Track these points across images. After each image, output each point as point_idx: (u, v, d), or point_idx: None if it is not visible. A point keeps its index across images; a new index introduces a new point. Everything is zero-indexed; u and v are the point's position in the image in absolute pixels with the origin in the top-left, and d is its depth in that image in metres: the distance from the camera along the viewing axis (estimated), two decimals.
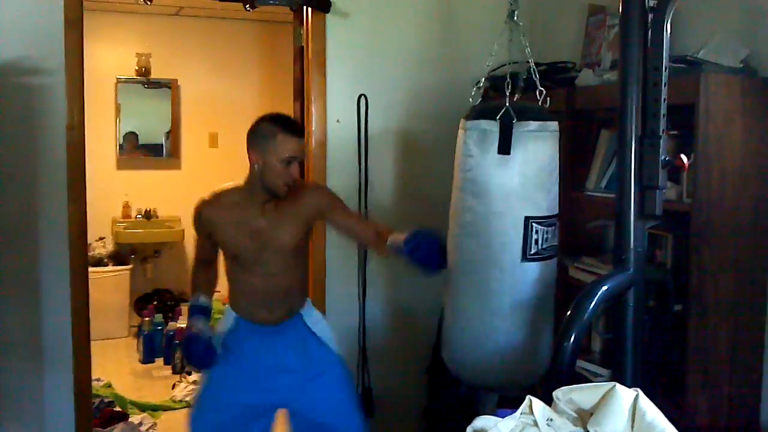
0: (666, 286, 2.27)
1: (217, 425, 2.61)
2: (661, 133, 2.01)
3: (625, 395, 1.44)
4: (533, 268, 2.39)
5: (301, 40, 3.65)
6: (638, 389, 1.45)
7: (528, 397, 1.50)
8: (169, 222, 6.00)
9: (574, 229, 3.09)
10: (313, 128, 3.47)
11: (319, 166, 3.48)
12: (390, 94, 3.57)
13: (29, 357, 3.09)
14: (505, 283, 2.38)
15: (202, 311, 2.68)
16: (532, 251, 2.36)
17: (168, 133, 6.11)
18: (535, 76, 2.57)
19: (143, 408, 4.09)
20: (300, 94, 3.70)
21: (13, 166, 3.04)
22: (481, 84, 3.58)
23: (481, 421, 1.49)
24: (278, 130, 2.50)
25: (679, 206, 2.46)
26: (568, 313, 1.95)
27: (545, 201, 2.43)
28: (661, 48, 1.97)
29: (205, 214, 2.63)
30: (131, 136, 6.00)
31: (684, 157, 2.02)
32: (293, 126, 2.56)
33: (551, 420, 1.46)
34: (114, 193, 5.86)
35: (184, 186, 6.11)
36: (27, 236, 3.08)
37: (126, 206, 5.94)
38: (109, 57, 5.84)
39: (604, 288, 1.98)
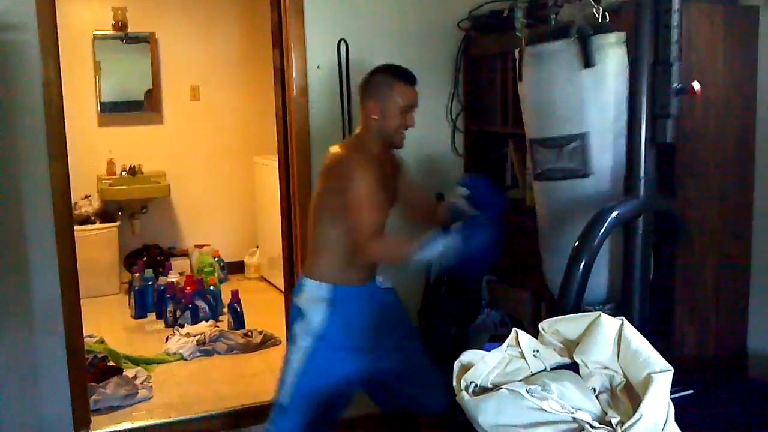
0: (674, 216, 2.27)
1: (321, 400, 2.59)
2: (673, 61, 2.00)
3: (609, 324, 1.45)
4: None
5: None
6: (623, 318, 1.46)
7: (514, 329, 1.51)
8: (155, 177, 5.96)
9: None
10: (294, 75, 3.42)
11: (300, 113, 3.44)
12: (371, 39, 3.50)
13: (19, 318, 3.08)
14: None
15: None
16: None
17: (149, 90, 6.02)
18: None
19: (137, 362, 4.12)
20: (278, 42, 3.64)
21: None
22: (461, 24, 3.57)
23: (468, 356, 1.50)
24: (395, 80, 2.54)
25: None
26: (578, 239, 1.96)
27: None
28: None
29: (373, 169, 2.48)
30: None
31: (696, 85, 2.01)
32: (409, 74, 2.58)
33: (537, 351, 1.48)
34: (97, 151, 5.80)
35: (168, 141, 6.06)
36: (9, 197, 3.04)
37: (110, 163, 5.89)
38: (84, 12, 5.73)
39: (615, 214, 1.99)
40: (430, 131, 3.62)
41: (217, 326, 4.69)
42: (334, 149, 2.64)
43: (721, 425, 2.03)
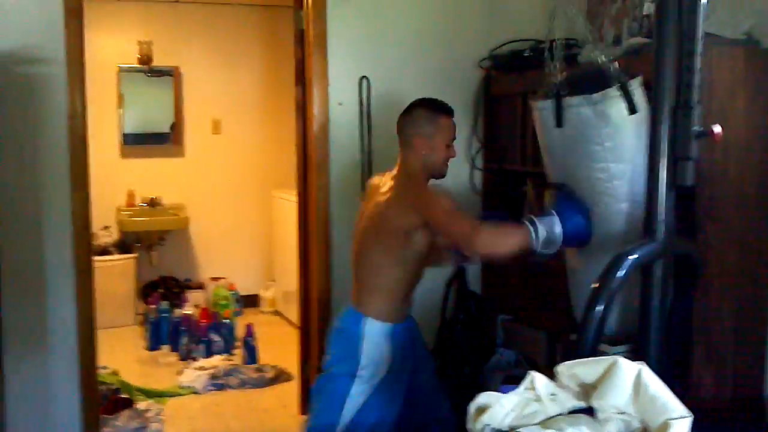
0: (692, 259, 2.25)
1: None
2: (694, 104, 2.00)
3: (627, 369, 1.43)
4: None
5: (301, 23, 3.63)
6: (642, 363, 1.44)
7: (530, 372, 1.49)
8: (174, 209, 6.00)
9: None
10: (315, 111, 3.45)
11: (321, 149, 3.46)
12: (392, 76, 3.55)
13: (35, 347, 3.10)
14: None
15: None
16: None
17: (172, 123, 6.09)
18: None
19: (150, 395, 4.10)
20: (301, 78, 3.69)
21: (16, 157, 3.05)
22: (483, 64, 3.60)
23: (484, 398, 1.48)
24: (438, 114, 2.59)
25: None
26: (597, 281, 1.95)
27: None
28: (695, 17, 1.96)
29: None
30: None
31: (717, 128, 2.00)
32: (448, 107, 2.62)
33: (554, 395, 1.46)
34: (118, 182, 5.85)
35: (188, 173, 6.11)
36: (31, 226, 3.08)
37: (130, 194, 5.94)
38: (111, 45, 5.82)
39: (634, 257, 1.98)
40: (450, 168, 3.61)
41: (231, 360, 4.68)
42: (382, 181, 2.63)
43: None
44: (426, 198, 2.46)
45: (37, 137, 3.08)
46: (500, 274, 3.62)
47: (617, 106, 2.25)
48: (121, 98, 5.90)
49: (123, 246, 5.77)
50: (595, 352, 1.98)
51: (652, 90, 2.16)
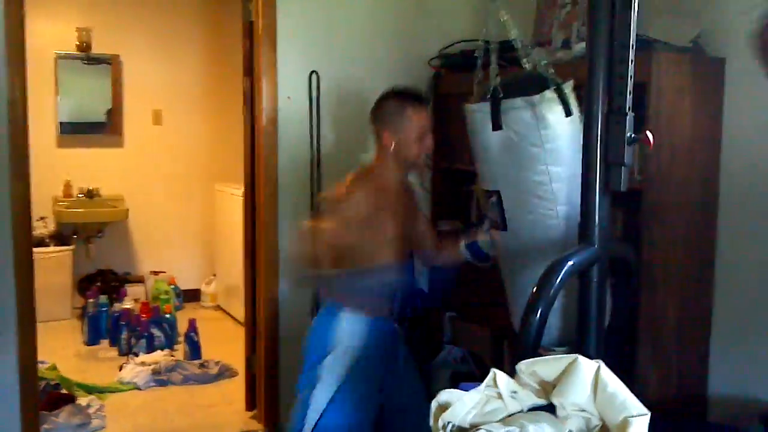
0: (628, 262, 2.30)
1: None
2: (627, 111, 2.03)
3: (586, 367, 1.46)
4: None
5: (250, 15, 3.58)
6: (600, 361, 1.47)
7: (492, 370, 1.51)
8: (112, 201, 5.86)
9: None
10: (264, 105, 3.42)
11: (269, 143, 3.44)
12: (342, 71, 3.54)
13: None
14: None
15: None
16: None
17: (109, 110, 5.95)
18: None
19: (90, 390, 4.01)
20: (249, 70, 3.64)
21: None
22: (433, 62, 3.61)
23: (445, 395, 1.49)
24: (407, 105, 2.48)
25: (630, 183, 2.50)
26: (534, 288, 1.97)
27: None
28: (628, 25, 1.99)
29: (371, 200, 2.46)
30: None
31: (650, 134, 2.04)
32: (418, 96, 2.54)
33: (515, 392, 1.48)
34: (54, 172, 5.67)
35: (128, 164, 5.98)
36: None
37: (67, 185, 5.78)
38: (48, 31, 5.64)
39: (570, 263, 2.00)
40: None
41: (173, 356, 4.61)
42: (343, 183, 2.55)
43: None
44: (371, 214, 2.46)
45: None
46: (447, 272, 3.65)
47: (555, 109, 2.26)
48: (58, 86, 5.73)
49: (60, 238, 5.62)
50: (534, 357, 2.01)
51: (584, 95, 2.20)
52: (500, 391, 1.47)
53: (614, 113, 2.09)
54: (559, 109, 2.27)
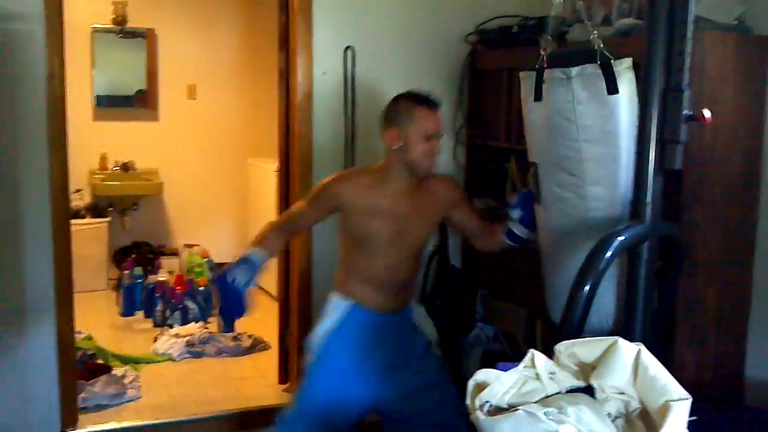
0: (679, 242, 2.27)
1: (322, 419, 2.53)
2: (684, 87, 2.00)
3: (627, 350, 1.45)
4: None
5: None
6: (640, 344, 1.46)
7: (530, 350, 1.50)
8: (147, 174, 5.91)
9: None
10: (299, 80, 3.41)
11: (304, 118, 3.43)
12: (377, 47, 3.51)
13: (11, 311, 3.05)
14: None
15: (246, 262, 2.55)
16: None
17: (144, 84, 5.98)
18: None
19: (125, 361, 4.07)
20: (285, 45, 3.63)
21: None
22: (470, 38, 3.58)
23: (483, 374, 1.49)
24: (417, 106, 2.46)
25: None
26: (583, 263, 1.95)
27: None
28: (687, 1, 1.96)
29: (336, 190, 2.52)
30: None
31: (707, 112, 2.01)
32: (432, 101, 2.49)
33: (553, 373, 1.47)
34: (90, 145, 5.72)
35: (162, 138, 6.02)
36: (6, 188, 3.01)
37: (103, 158, 5.84)
38: (85, 5, 5.66)
39: (620, 239, 1.98)
40: None
41: (207, 328, 4.65)
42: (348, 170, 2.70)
43: None
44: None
45: (14, 97, 3.00)
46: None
47: (595, 85, 2.20)
48: (94, 59, 5.77)
49: (95, 210, 5.68)
50: (580, 335, 2.00)
51: (641, 72, 2.15)
52: (538, 371, 1.47)
53: (671, 90, 2.07)
54: (601, 85, 2.23)
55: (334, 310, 2.57)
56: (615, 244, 2.02)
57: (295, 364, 3.55)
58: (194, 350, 4.30)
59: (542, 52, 2.34)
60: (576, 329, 2.01)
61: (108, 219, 5.70)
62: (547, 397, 1.45)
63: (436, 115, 2.48)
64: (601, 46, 2.19)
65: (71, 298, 3.17)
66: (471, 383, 1.48)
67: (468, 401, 1.45)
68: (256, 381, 3.95)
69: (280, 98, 3.71)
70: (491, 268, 3.56)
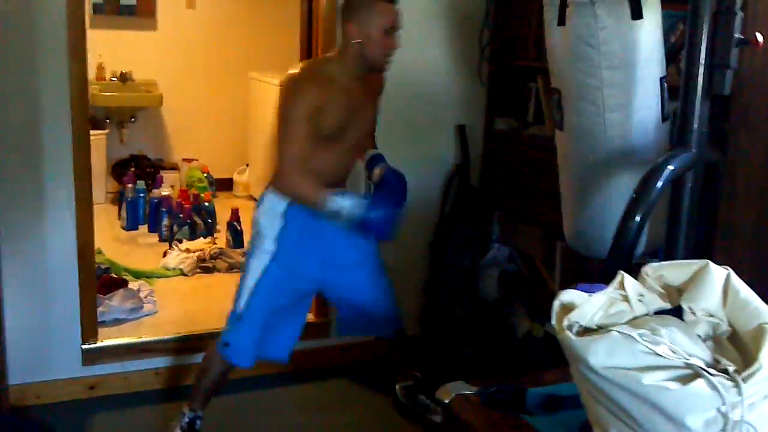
0: (716, 168, 2.25)
1: (273, 308, 2.65)
2: (737, 10, 1.94)
3: (717, 273, 1.43)
4: (665, 129, 2.36)
5: None
6: (728, 268, 1.45)
7: (620, 272, 1.49)
8: (146, 86, 5.75)
9: None
10: None
11: (329, 30, 3.31)
12: None
13: (32, 218, 2.99)
14: (650, 146, 2.31)
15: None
16: (666, 112, 2.32)
17: None
18: None
19: (137, 275, 4.04)
20: None
21: (10, 24, 2.85)
22: None
23: (568, 295, 1.47)
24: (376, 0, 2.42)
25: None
26: (634, 192, 1.93)
27: (664, 60, 2.35)
28: None
29: (320, 96, 2.42)
30: None
31: (759, 36, 1.96)
32: None
33: (642, 296, 1.46)
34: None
35: (161, 49, 5.84)
36: (27, 95, 2.92)
37: (100, 68, 5.66)
38: None
39: (670, 168, 1.95)
40: (457, 58, 3.54)
41: (215, 243, 4.62)
42: (294, 68, 2.54)
43: None
44: (284, 110, 2.43)
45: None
46: (499, 171, 3.61)
47: (618, 9, 2.15)
48: None
49: (93, 121, 5.52)
50: (628, 265, 1.98)
51: None
52: (627, 293, 1.45)
53: (723, 13, 2.01)
54: (624, 10, 2.17)
55: (274, 209, 2.57)
56: (666, 173, 2.00)
57: None
58: (205, 265, 4.28)
59: None
60: (625, 260, 2.00)
61: (106, 131, 5.57)
62: (635, 318, 1.44)
63: (395, 8, 2.46)
64: None
65: (91, 206, 3.10)
66: (556, 303, 1.46)
67: (553, 321, 1.44)
68: None
69: (302, 12, 3.56)
70: (509, 189, 3.55)
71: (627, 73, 2.20)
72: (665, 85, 2.30)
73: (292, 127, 2.40)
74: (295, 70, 2.53)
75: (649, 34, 2.17)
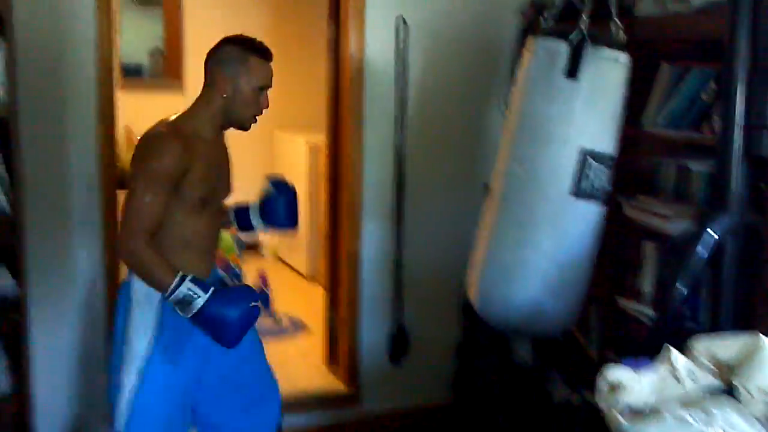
0: (759, 233, 2.16)
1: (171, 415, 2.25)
2: None
3: None
4: (582, 208, 2.30)
5: None
6: None
7: (666, 345, 1.41)
8: None
9: (629, 167, 2.98)
10: (351, 52, 3.28)
11: (356, 93, 3.31)
12: (431, 18, 3.39)
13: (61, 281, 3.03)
14: (548, 216, 2.30)
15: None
16: (584, 188, 2.27)
17: (165, 54, 5.82)
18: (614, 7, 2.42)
19: None
20: (335, 15, 3.48)
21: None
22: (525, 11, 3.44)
23: (615, 374, 1.39)
24: (251, 55, 2.21)
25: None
26: (671, 260, 1.86)
27: (606, 138, 2.33)
28: None
29: (183, 149, 2.09)
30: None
31: None
32: (266, 50, 2.26)
33: (693, 373, 1.38)
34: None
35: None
36: (57, 155, 3.04)
37: (128, 130, 5.69)
38: None
39: (713, 237, 1.87)
40: (482, 114, 3.51)
41: None
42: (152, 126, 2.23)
43: None
44: (144, 166, 2.08)
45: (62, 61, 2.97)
46: None
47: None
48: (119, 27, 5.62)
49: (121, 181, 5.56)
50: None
51: (725, 51, 2.04)
52: (678, 372, 1.38)
53: (759, 72, 1.96)
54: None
55: (147, 298, 2.16)
56: (709, 242, 1.91)
57: (346, 345, 3.47)
58: None
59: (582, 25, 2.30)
60: (673, 326, 1.91)
61: None
62: (686, 397, 1.36)
63: (269, 66, 2.26)
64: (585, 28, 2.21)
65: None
66: (603, 384, 1.39)
67: (601, 401, 1.36)
68: (300, 361, 3.88)
69: (329, 71, 3.57)
70: None
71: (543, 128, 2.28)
72: (588, 160, 2.29)
73: (149, 188, 2.05)
74: (154, 125, 2.22)
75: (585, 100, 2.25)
